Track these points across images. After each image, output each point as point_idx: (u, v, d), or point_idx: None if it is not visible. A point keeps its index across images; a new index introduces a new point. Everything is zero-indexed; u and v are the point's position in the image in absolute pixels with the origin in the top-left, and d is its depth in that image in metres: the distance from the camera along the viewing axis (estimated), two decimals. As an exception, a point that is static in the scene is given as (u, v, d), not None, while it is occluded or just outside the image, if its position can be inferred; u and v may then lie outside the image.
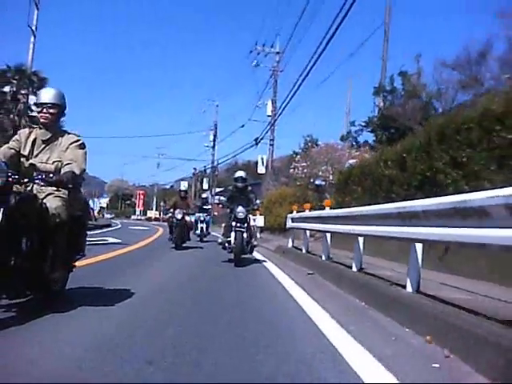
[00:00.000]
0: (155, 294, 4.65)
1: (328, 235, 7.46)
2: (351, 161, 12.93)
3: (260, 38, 58.02)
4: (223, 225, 8.91)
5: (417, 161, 7.37)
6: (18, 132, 4.02)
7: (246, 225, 8.07)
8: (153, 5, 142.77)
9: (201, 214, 14.94)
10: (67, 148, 3.79)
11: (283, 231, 14.81)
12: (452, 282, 4.87)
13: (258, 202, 8.98)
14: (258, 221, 18.34)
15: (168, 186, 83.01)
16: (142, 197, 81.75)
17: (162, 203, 71.99)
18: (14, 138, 3.91)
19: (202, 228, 14.85)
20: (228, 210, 8.63)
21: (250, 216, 8.75)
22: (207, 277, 6.48)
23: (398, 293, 4.05)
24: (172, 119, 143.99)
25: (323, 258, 7.38)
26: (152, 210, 73.80)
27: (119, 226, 28.98)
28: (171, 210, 11.87)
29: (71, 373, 2.22)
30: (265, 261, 8.79)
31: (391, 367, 2.44)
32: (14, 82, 21.24)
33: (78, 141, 3.87)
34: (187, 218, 11.61)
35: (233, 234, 7.93)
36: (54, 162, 3.76)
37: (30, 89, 21.45)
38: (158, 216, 67.79)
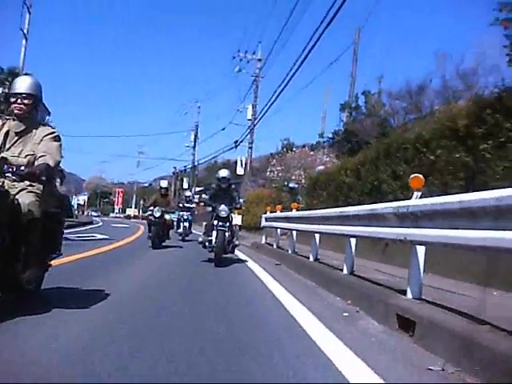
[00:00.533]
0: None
1: (294, 233, 8.86)
2: (319, 167, 14.42)
3: (243, 44, 59.38)
4: (204, 223, 8.72)
5: (368, 172, 8.85)
6: None
7: (228, 224, 7.87)
8: (137, 4, 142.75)
9: (184, 213, 14.78)
10: (41, 140, 3.60)
11: (259, 229, 16.11)
12: (383, 268, 6.30)
13: (241, 200, 8.83)
14: (236, 220, 19.63)
15: (147, 184, 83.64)
16: (121, 194, 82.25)
17: (141, 201, 72.78)
18: None
19: (184, 227, 14.66)
20: (210, 209, 8.42)
21: (233, 215, 8.57)
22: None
23: (337, 275, 5.47)
24: (153, 119, 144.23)
25: (289, 251, 8.78)
26: (131, 207, 74.51)
27: (100, 223, 29.38)
28: (151, 208, 11.27)
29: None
30: (241, 256, 10.14)
31: (320, 318, 3.77)
32: (7, 83, 22.03)
33: (52, 133, 3.69)
34: (167, 216, 11.20)
35: (214, 233, 7.70)
36: (26, 155, 3.54)
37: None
38: (137, 214, 68.50)
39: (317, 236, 7.18)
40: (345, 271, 5.43)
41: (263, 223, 12.06)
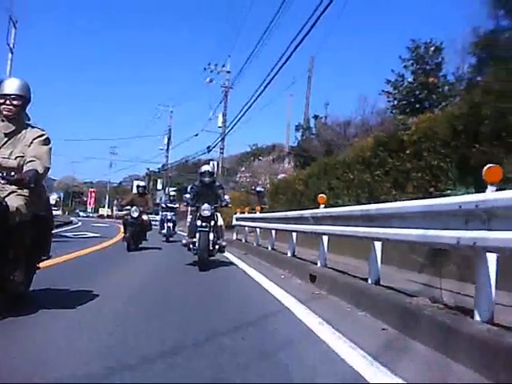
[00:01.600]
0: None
1: (258, 230, 11.62)
2: (281, 175, 17.28)
3: (215, 56, 61.97)
4: (188, 224, 8.46)
5: (313, 183, 11.71)
6: None
7: (212, 223, 7.45)
8: (113, 5, 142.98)
9: (167, 213, 14.46)
10: (31, 143, 3.60)
11: (231, 228, 18.77)
12: (312, 252, 9.05)
13: (226, 197, 8.18)
14: (221, 219, 22.12)
15: (117, 183, 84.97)
16: (93, 194, 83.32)
17: (115, 201, 74.27)
18: None
19: (168, 227, 14.31)
20: (193, 208, 8.06)
21: (218, 214, 7.88)
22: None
23: (284, 257, 8.22)
24: (127, 122, 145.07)
25: (255, 244, 11.52)
26: (104, 207, 75.85)
27: (79, 224, 30.02)
28: (127, 208, 10.79)
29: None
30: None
31: (270, 279, 6.42)
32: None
33: (42, 135, 3.69)
34: (145, 217, 10.61)
35: (197, 234, 7.29)
36: (16, 157, 3.55)
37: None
38: (110, 213, 69.92)
39: (273, 232, 9.94)
40: (289, 254, 8.20)
41: (234, 222, 14.76)
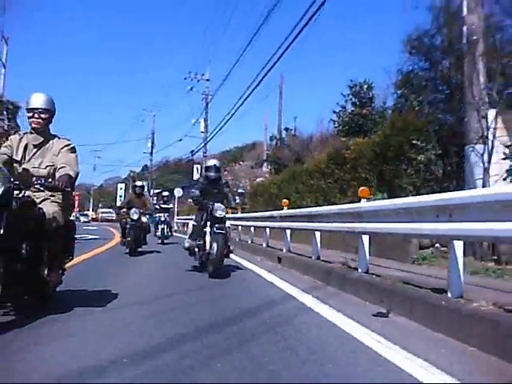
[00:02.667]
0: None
1: (239, 227, 14.15)
2: (259, 179, 19.84)
3: (196, 63, 64.87)
4: (191, 224, 7.39)
5: (284, 187, 14.28)
6: (10, 138, 4.00)
7: (225, 226, 6.77)
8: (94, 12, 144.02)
9: (161, 214, 14.00)
10: (59, 152, 3.82)
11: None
12: (279, 242, 11.68)
13: (236, 198, 7.58)
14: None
15: (97, 186, 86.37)
16: (77, 198, 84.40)
17: (100, 204, 75.70)
18: (5, 144, 3.90)
19: (162, 229, 13.86)
20: (198, 207, 7.25)
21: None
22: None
23: (260, 247, 10.76)
24: (111, 125, 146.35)
25: (237, 239, 14.03)
26: (88, 210, 77.24)
27: None
28: (124, 210, 10.42)
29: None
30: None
31: (250, 262, 9.00)
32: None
33: (69, 145, 3.91)
34: (143, 219, 10.25)
35: (208, 237, 6.61)
36: (46, 166, 3.78)
37: (5, 113, 26.26)
38: (94, 216, 71.35)
39: (252, 228, 12.48)
40: (264, 245, 10.74)
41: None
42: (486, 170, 6.37)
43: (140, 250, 10.12)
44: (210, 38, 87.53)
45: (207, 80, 35.84)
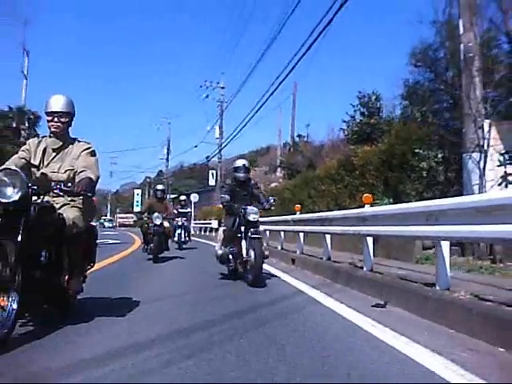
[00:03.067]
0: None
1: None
2: (273, 185, 20.47)
3: (212, 71, 66.44)
4: (222, 230, 6.93)
5: (297, 192, 14.89)
6: (28, 142, 3.88)
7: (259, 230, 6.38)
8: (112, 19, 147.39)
9: (179, 219, 13.48)
10: (79, 156, 3.69)
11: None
12: (304, 247, 12.28)
13: (271, 198, 6.88)
14: (214, 224, 25.22)
15: (113, 191, 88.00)
16: (96, 204, 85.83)
17: (117, 209, 77.07)
18: (23, 148, 3.78)
19: (179, 234, 13.56)
20: (227, 211, 6.75)
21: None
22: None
23: (276, 250, 11.38)
24: (127, 133, 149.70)
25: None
26: (106, 215, 78.69)
27: None
28: (146, 214, 10.09)
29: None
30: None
31: (268, 264, 9.60)
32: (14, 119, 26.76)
33: (89, 148, 3.77)
34: (166, 224, 9.90)
35: (244, 243, 6.23)
36: (66, 170, 3.67)
37: (27, 124, 27.38)
38: (101, 221, 72.39)
39: (267, 232, 13.11)
40: (279, 248, 11.36)
41: (220, 227, 17.96)
42: (482, 177, 6.91)
43: (162, 255, 9.76)
44: (225, 46, 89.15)
45: (222, 88, 36.82)
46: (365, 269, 6.09)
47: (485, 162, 6.97)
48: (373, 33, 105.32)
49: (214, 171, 34.80)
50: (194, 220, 29.73)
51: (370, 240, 6.14)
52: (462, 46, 7.48)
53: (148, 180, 66.09)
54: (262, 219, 13.04)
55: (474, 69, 7.29)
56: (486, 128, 7.12)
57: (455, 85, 8.80)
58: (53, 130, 3.74)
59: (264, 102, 19.42)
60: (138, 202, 57.94)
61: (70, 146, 3.78)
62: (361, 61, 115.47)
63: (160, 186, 10.97)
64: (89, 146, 3.82)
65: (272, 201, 6.82)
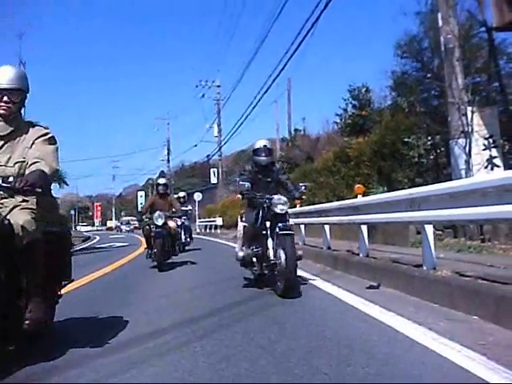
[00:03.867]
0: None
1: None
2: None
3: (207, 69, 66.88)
4: (241, 226, 5.70)
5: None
6: None
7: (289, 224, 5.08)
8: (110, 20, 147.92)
9: (178, 218, 10.85)
10: (33, 144, 2.89)
11: (235, 227, 22.23)
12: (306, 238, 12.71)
13: (301, 186, 5.72)
14: (218, 221, 25.71)
15: (116, 195, 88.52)
16: (99, 208, 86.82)
17: (122, 212, 77.64)
18: None
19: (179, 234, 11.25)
20: (247, 203, 5.59)
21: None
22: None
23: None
24: (126, 136, 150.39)
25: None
26: (111, 219, 79.36)
27: (98, 238, 30.48)
28: (148, 215, 8.46)
29: None
30: (226, 243, 16.38)
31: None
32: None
33: (46, 134, 2.97)
34: (171, 224, 8.40)
35: (270, 242, 4.95)
36: (16, 162, 2.84)
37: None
38: (118, 225, 73.34)
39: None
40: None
41: (239, 222, 18.38)
42: (468, 161, 7.32)
43: (169, 260, 8.28)
44: (218, 45, 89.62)
45: (218, 86, 37.19)
46: (361, 255, 6.52)
47: (470, 147, 7.36)
48: (362, 26, 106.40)
49: (216, 169, 35.25)
50: (199, 219, 30.19)
51: (364, 228, 6.56)
52: (441, 38, 7.85)
53: (150, 182, 66.46)
54: None
55: (454, 59, 7.67)
56: (469, 115, 7.50)
57: (441, 74, 9.16)
58: (1, 112, 2.91)
59: (260, 98, 19.81)
60: (141, 203, 58.43)
61: (23, 132, 2.95)
62: (351, 53, 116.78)
63: (162, 180, 9.38)
64: (46, 131, 3.01)
65: (303, 188, 5.65)
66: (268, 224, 5.02)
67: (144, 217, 8.76)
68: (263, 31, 59.86)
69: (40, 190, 2.65)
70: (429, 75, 10.39)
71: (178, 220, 10.58)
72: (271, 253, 4.96)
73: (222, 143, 31.36)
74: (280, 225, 4.83)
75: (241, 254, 5.45)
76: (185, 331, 3.38)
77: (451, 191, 4.06)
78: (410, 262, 5.29)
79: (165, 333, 3.37)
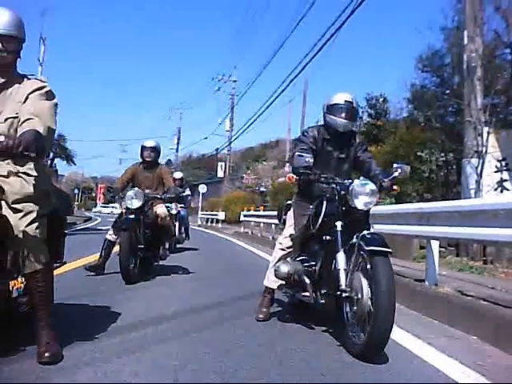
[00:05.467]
0: None
1: (261, 225, 15.24)
2: (280, 179, 20.90)
3: (224, 64, 67.48)
4: (290, 224, 3.70)
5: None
6: None
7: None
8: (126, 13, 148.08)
9: (172, 205, 7.83)
10: (26, 98, 2.48)
11: (238, 222, 22.31)
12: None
13: (397, 167, 3.36)
14: (220, 215, 25.78)
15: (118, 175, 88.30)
16: (102, 190, 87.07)
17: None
18: None
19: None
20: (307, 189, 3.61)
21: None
22: None
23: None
24: (137, 123, 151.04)
25: (259, 235, 15.16)
26: (114, 202, 79.11)
27: (99, 219, 30.21)
28: (124, 193, 5.44)
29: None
30: (230, 239, 16.45)
31: (262, 251, 10.12)
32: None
33: (42, 87, 2.54)
34: (159, 209, 5.62)
35: (343, 261, 2.93)
36: (7, 118, 2.44)
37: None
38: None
39: (273, 226, 13.56)
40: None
41: (242, 218, 18.41)
42: (479, 182, 7.31)
43: (155, 267, 5.82)
44: (239, 39, 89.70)
45: (234, 81, 37.23)
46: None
47: (482, 168, 7.36)
48: (385, 35, 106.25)
49: (223, 163, 35.30)
50: (201, 211, 30.26)
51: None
52: (465, 55, 7.84)
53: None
54: (266, 213, 13.05)
55: (475, 78, 7.65)
56: (485, 135, 7.49)
57: (460, 91, 9.15)
58: None
59: (275, 98, 19.81)
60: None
61: (17, 86, 2.55)
62: (370, 62, 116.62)
63: (150, 143, 6.00)
64: (43, 84, 2.59)
65: (397, 173, 3.32)
66: (339, 226, 3.05)
67: (119, 196, 5.63)
68: (285, 31, 59.95)
69: (34, 155, 2.17)
70: (448, 91, 10.38)
71: (173, 206, 7.68)
72: (342, 277, 2.90)
73: (233, 138, 31.39)
74: (365, 233, 2.89)
75: (284, 269, 3.36)
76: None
77: (462, 209, 4.08)
78: (412, 275, 5.31)
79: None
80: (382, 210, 6.14)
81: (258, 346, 2.91)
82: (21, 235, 2.28)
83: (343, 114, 3.45)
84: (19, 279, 2.65)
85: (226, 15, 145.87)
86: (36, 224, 2.35)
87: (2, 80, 2.52)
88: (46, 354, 2.32)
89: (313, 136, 3.55)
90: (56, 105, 2.58)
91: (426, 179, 9.14)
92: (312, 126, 3.76)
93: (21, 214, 2.33)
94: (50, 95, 2.56)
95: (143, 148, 5.91)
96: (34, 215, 2.36)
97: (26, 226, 2.31)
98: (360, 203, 3.00)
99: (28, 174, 2.43)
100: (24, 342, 2.51)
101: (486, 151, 7.38)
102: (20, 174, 2.41)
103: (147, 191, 5.52)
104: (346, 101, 3.48)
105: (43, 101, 2.51)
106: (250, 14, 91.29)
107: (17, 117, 2.44)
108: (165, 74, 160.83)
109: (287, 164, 24.49)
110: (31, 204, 2.39)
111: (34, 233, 2.34)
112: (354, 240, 2.91)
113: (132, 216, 5.21)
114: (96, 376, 2.24)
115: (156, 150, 5.97)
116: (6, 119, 2.46)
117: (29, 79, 2.60)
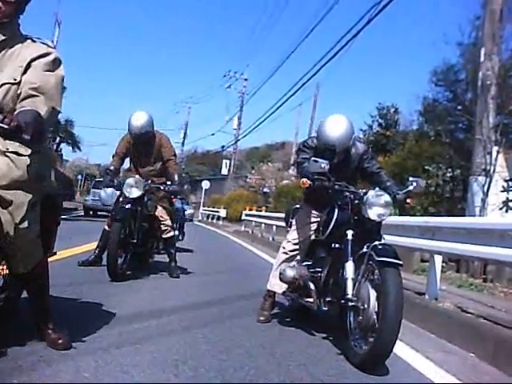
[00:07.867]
0: None
1: (262, 225, 15.25)
2: (285, 181, 20.94)
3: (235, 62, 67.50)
4: (294, 229, 3.70)
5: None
6: None
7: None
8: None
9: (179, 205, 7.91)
10: (29, 64, 2.07)
11: (239, 221, 22.36)
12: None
13: (411, 182, 3.31)
14: (221, 212, 25.84)
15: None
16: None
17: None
18: None
19: None
20: (305, 197, 3.91)
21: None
22: None
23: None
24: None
25: (259, 235, 15.17)
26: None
27: None
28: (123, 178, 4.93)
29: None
30: (230, 237, 16.48)
31: (262, 251, 10.15)
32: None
33: (48, 54, 2.14)
34: (161, 213, 5.12)
35: (351, 271, 2.89)
36: (3, 84, 2.03)
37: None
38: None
39: (274, 227, 13.58)
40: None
41: (243, 217, 18.44)
42: (484, 200, 7.32)
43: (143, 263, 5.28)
44: (253, 38, 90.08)
45: (245, 79, 37.29)
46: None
47: (489, 187, 7.36)
48: (400, 46, 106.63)
49: (228, 161, 35.33)
50: (203, 207, 30.32)
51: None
52: (480, 73, 7.85)
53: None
54: (267, 214, 13.44)
55: (489, 96, 7.66)
56: (494, 154, 7.50)
57: (472, 108, 9.15)
58: None
59: (285, 100, 19.82)
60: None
61: (18, 46, 2.13)
62: (385, 70, 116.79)
63: (138, 119, 4.90)
64: (49, 50, 2.18)
65: (412, 186, 3.28)
66: (350, 235, 3.03)
67: (118, 182, 4.84)
68: (300, 34, 60.02)
69: (27, 138, 1.82)
70: (459, 107, 10.38)
71: (177, 200, 6.73)
72: (349, 286, 2.85)
73: (240, 137, 31.41)
74: (377, 243, 2.84)
75: (290, 274, 3.34)
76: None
77: (469, 227, 4.08)
78: (413, 288, 5.31)
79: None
80: (387, 220, 6.14)
81: (257, 346, 2.93)
82: (12, 233, 1.99)
83: (327, 153, 3.23)
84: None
85: (242, 13, 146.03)
86: (28, 221, 2.04)
87: (3, 37, 2.11)
88: (60, 341, 2.29)
89: (312, 147, 3.46)
90: (63, 78, 2.18)
91: (432, 193, 9.16)
92: (310, 139, 3.60)
93: (11, 209, 1.99)
94: (56, 64, 2.16)
95: (130, 126, 4.93)
96: (25, 209, 2.03)
97: (18, 224, 2.00)
98: (374, 214, 2.99)
99: (18, 154, 2.02)
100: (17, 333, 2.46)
101: (494, 170, 7.38)
102: (8, 154, 2.02)
103: (143, 181, 4.77)
104: (330, 144, 3.21)
105: (49, 72, 2.11)
106: (266, 13, 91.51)
107: (15, 83, 2.06)
108: (176, 66, 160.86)
109: (292, 167, 24.51)
110: (21, 193, 2.02)
111: (27, 231, 2.05)
112: (365, 250, 2.87)
113: (128, 206, 4.59)
114: (98, 364, 2.26)
115: (147, 126, 4.93)
116: (1, 84, 2.05)
117: (34, 41, 2.20)
